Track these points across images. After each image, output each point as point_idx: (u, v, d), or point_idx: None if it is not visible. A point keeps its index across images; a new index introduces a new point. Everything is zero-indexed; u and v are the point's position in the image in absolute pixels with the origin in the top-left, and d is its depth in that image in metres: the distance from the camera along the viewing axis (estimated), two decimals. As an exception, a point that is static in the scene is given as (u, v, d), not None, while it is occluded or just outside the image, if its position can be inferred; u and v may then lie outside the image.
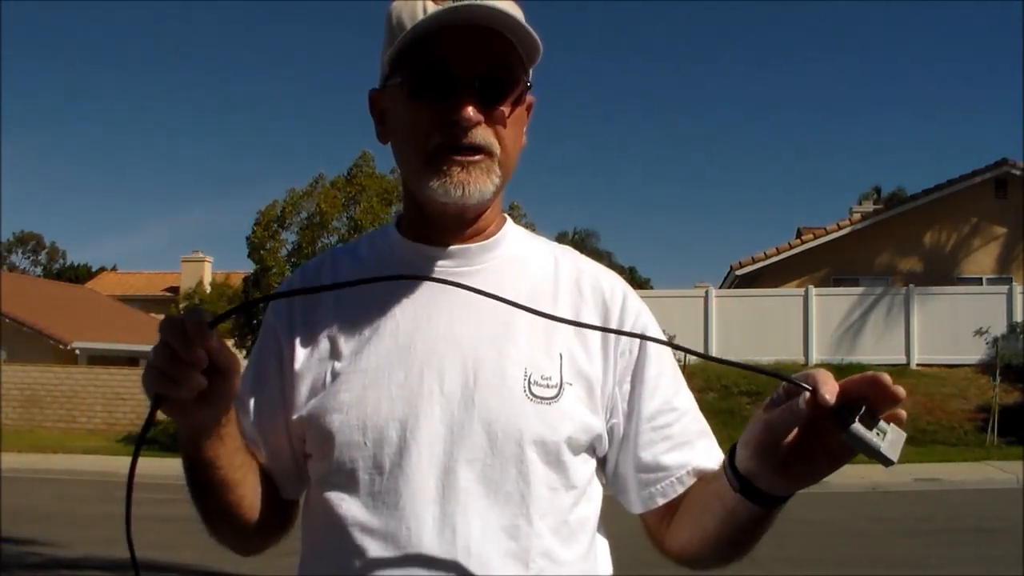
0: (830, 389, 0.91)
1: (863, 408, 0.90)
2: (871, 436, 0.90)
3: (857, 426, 0.90)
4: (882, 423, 0.91)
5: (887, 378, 0.89)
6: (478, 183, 1.14)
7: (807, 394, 0.92)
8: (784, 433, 0.96)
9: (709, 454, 1.22)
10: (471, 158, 1.13)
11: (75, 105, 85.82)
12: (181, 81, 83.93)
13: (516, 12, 1.14)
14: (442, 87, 1.12)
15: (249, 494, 1.19)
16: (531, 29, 1.13)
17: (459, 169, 1.13)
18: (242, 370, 1.06)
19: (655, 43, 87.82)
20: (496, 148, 1.15)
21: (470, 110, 1.11)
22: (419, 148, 1.15)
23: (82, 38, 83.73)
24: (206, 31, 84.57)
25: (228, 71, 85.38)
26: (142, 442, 1.03)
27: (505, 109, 1.15)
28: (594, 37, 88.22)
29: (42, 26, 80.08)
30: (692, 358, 17.79)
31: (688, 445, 1.21)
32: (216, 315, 0.99)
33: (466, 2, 1.09)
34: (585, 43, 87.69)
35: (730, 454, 1.06)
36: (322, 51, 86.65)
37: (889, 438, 0.91)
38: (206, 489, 1.15)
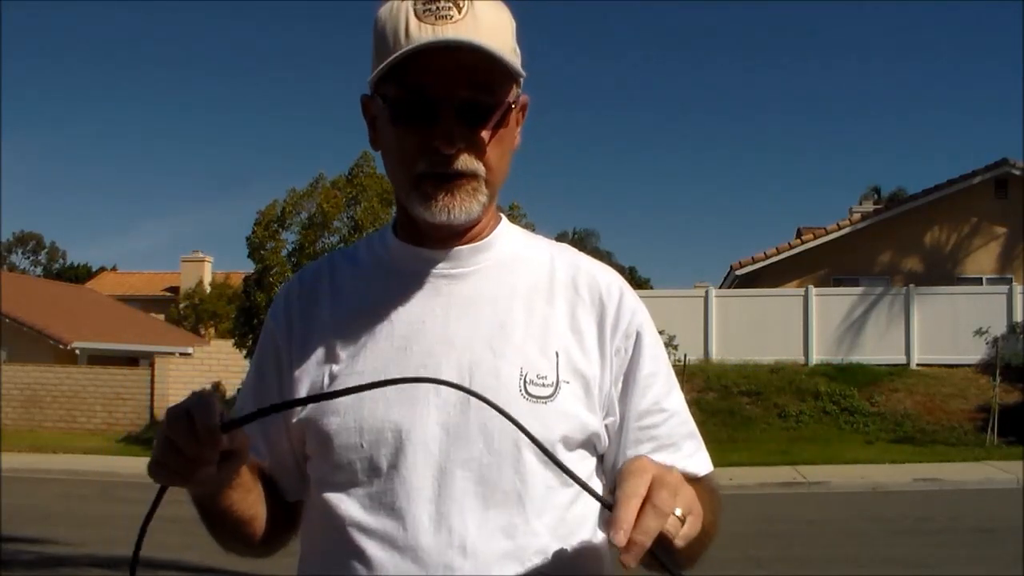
0: (620, 538, 0.86)
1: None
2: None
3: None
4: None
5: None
6: (464, 205, 1.13)
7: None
8: None
9: (694, 457, 1.23)
10: (456, 183, 1.13)
11: (75, 105, 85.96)
12: (181, 81, 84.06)
13: (499, 40, 1.10)
14: (422, 113, 1.10)
15: (260, 520, 1.21)
16: (511, 63, 1.09)
17: (444, 194, 1.12)
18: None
19: (656, 43, 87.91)
20: (481, 171, 1.14)
21: (451, 140, 1.10)
22: (405, 172, 1.15)
23: (82, 38, 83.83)
24: (206, 31, 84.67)
25: (228, 71, 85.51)
26: (146, 526, 1.03)
27: (486, 134, 1.13)
28: (595, 36, 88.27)
29: (42, 26, 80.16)
30: (692, 357, 17.85)
31: (673, 447, 1.21)
32: (224, 415, 0.96)
33: (449, 36, 1.07)
34: (586, 42, 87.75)
35: None
36: (322, 51, 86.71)
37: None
38: (219, 527, 1.20)
